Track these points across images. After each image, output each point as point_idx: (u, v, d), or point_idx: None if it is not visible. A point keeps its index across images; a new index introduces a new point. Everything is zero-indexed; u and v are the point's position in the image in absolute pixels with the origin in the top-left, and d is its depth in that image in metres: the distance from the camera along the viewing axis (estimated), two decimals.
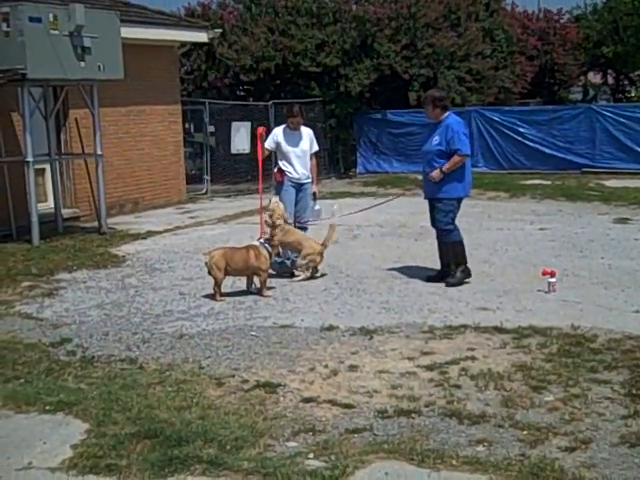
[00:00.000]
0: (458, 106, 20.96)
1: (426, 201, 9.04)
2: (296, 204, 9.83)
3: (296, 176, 9.74)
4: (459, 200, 8.89)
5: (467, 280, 8.82)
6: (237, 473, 4.37)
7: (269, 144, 9.83)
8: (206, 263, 8.49)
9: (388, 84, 21.04)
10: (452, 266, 8.89)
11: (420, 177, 19.54)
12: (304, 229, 9.88)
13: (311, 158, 9.93)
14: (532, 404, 5.26)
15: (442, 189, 8.70)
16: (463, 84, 21.18)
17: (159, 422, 5.04)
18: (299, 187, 9.80)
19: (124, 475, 4.39)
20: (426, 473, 4.32)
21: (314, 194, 10.06)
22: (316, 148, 10.05)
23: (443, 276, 8.93)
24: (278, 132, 9.86)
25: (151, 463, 4.48)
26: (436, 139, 8.70)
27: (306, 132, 9.90)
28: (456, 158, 8.57)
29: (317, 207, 10.24)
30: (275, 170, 10.00)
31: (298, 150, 9.75)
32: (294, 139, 9.77)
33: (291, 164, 9.73)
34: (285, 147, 9.73)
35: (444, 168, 8.58)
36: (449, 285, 8.72)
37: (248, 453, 4.60)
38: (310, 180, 9.90)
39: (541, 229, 11.84)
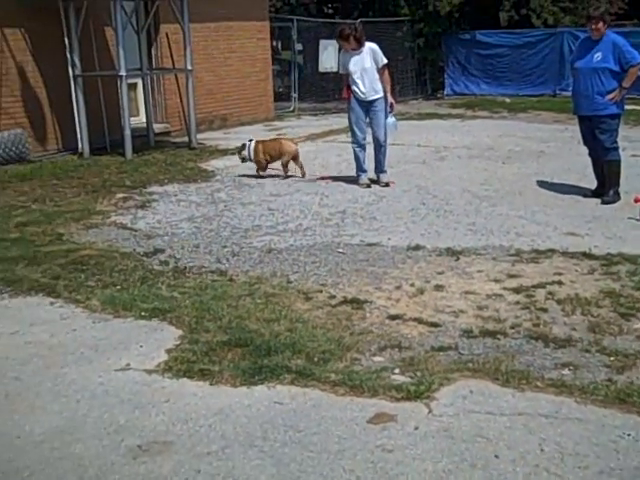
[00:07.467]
0: (550, 27, 20.35)
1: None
2: (370, 123, 9.82)
3: (362, 95, 9.64)
4: (620, 117, 8.84)
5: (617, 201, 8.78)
6: (325, 384, 4.48)
7: (343, 69, 9.84)
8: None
9: (478, 4, 20.49)
10: (607, 185, 8.90)
11: (508, 100, 19.48)
12: (382, 147, 9.86)
13: (382, 72, 9.72)
14: (620, 331, 5.20)
15: (606, 108, 8.61)
16: (556, 4, 20.49)
17: (249, 332, 5.18)
18: (368, 105, 9.70)
19: (216, 380, 4.55)
20: (510, 393, 4.35)
21: (391, 105, 9.90)
22: (385, 61, 9.75)
23: (600, 194, 9.00)
24: (341, 55, 9.93)
25: (242, 370, 4.63)
26: (598, 55, 8.54)
27: (367, 49, 9.64)
28: (632, 70, 8.44)
29: (391, 119, 9.92)
30: (344, 88, 9.93)
31: (359, 70, 9.59)
32: (354, 59, 9.61)
33: (355, 83, 9.63)
34: (347, 68, 9.67)
35: (625, 84, 8.48)
36: (604, 203, 8.76)
37: (335, 366, 4.69)
38: (379, 96, 9.70)
39: (633, 156, 11.50)
